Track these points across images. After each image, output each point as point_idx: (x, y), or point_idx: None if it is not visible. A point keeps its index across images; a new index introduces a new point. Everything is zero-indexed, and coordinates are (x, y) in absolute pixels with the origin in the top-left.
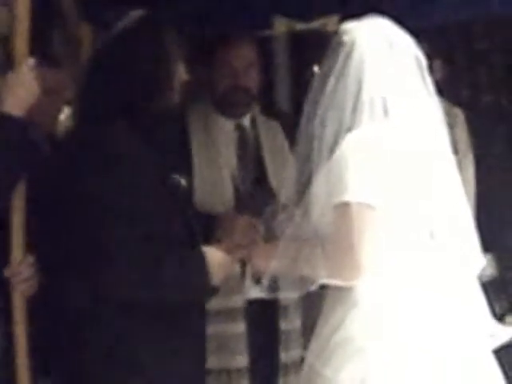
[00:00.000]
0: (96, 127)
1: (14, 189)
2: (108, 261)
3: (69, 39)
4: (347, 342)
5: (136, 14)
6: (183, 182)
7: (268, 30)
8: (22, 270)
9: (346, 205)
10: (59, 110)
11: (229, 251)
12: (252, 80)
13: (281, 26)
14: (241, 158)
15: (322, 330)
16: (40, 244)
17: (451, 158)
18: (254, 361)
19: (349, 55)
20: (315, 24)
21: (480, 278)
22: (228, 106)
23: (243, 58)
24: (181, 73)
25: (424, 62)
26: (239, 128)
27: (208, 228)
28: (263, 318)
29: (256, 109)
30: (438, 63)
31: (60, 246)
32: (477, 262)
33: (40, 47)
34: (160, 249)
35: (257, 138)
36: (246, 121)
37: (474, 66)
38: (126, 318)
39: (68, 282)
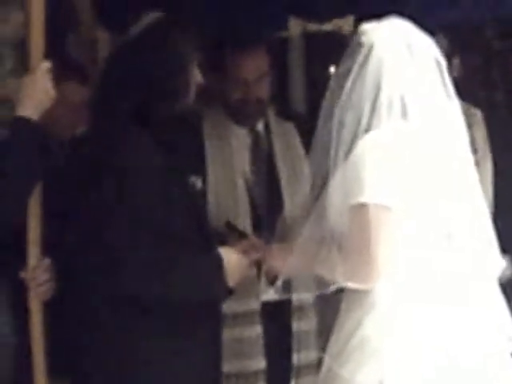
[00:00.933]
0: (111, 130)
1: (31, 192)
2: (125, 263)
3: (85, 43)
4: (364, 343)
5: (152, 16)
6: (199, 184)
7: (283, 31)
8: (39, 273)
9: (362, 206)
10: (82, 121)
11: (245, 253)
12: (263, 90)
13: (296, 27)
14: (254, 162)
15: (340, 332)
16: (56, 247)
17: (470, 159)
18: (270, 363)
19: (367, 56)
20: (330, 25)
21: (499, 279)
22: (240, 116)
23: (254, 69)
24: (196, 76)
25: (443, 63)
26: (253, 132)
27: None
28: (279, 320)
29: (270, 111)
30: (456, 62)
31: (76, 248)
32: (496, 263)
33: (56, 51)
34: (176, 250)
35: (270, 142)
36: (260, 125)
37: (492, 66)
38: (142, 320)
39: (84, 284)
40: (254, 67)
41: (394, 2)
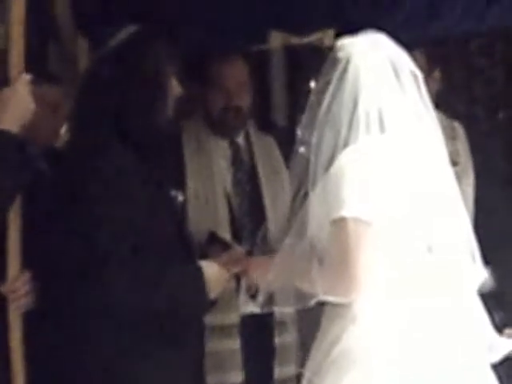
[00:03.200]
0: (91, 143)
1: (11, 205)
2: (105, 275)
3: (65, 55)
4: (345, 355)
5: (130, 29)
6: (180, 197)
7: (264, 44)
8: (19, 286)
9: (342, 220)
10: (59, 126)
11: (225, 265)
12: (244, 100)
13: (277, 39)
14: (235, 174)
15: (320, 345)
16: (38, 259)
17: (450, 171)
18: (249, 377)
19: (344, 71)
20: (311, 38)
21: (480, 290)
22: (220, 126)
23: (235, 79)
24: (175, 88)
25: (420, 76)
26: (233, 145)
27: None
28: (258, 334)
29: (250, 124)
30: (435, 77)
31: (57, 260)
32: (477, 274)
33: (36, 63)
34: (158, 263)
35: (251, 154)
36: (240, 137)
37: (472, 80)
38: (124, 332)
39: (65, 296)
40: (234, 77)
41: (377, 16)
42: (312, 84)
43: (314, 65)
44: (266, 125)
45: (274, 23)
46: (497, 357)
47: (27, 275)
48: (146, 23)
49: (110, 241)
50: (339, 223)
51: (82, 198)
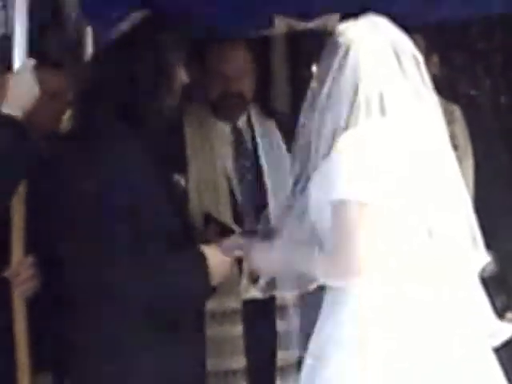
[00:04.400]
0: (95, 128)
1: (15, 190)
2: (108, 261)
3: (69, 40)
4: (346, 341)
5: (138, 15)
6: (183, 182)
7: (268, 29)
8: (22, 270)
9: (342, 202)
10: (62, 111)
11: (226, 251)
12: (245, 85)
13: (281, 25)
14: (237, 159)
15: (321, 330)
16: (41, 245)
17: (450, 154)
18: (251, 362)
19: (345, 56)
20: (316, 23)
21: (481, 274)
22: (222, 111)
23: (236, 64)
24: (181, 75)
25: (421, 60)
26: (235, 130)
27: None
28: (260, 319)
29: (252, 109)
30: (434, 60)
31: (60, 246)
32: (479, 258)
33: (40, 47)
34: (160, 249)
35: (253, 139)
36: (242, 122)
37: (472, 64)
38: (124, 319)
39: (69, 282)
40: (235, 60)
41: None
42: (314, 69)
43: (315, 50)
44: (267, 111)
45: (279, 8)
46: (498, 341)
47: (30, 260)
48: (151, 8)
49: (111, 227)
50: (340, 206)
51: (84, 185)
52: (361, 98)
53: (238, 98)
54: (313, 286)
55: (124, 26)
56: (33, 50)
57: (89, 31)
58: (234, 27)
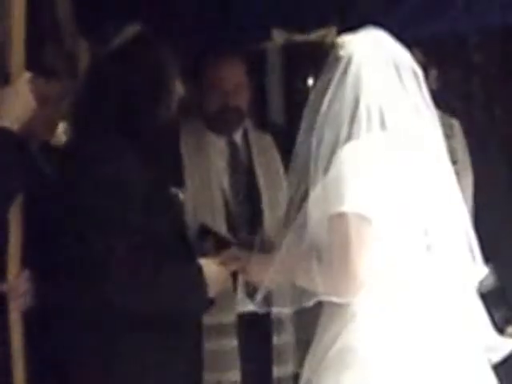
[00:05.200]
0: (92, 142)
1: (12, 203)
2: (106, 274)
3: (66, 53)
4: (344, 353)
5: (133, 29)
6: (181, 195)
7: (266, 41)
8: (19, 284)
9: (342, 216)
10: (56, 123)
11: (224, 264)
12: (242, 99)
13: (279, 37)
14: (232, 173)
15: (319, 344)
16: (38, 256)
17: (449, 168)
18: (246, 376)
19: (346, 69)
20: (314, 36)
21: (480, 288)
22: (218, 125)
23: (232, 78)
24: (178, 89)
25: (420, 73)
26: (231, 144)
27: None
28: (256, 333)
29: (248, 123)
30: (433, 74)
31: (57, 258)
32: (477, 272)
33: (36, 60)
34: (157, 262)
35: (248, 153)
36: (238, 136)
37: (470, 78)
38: (121, 332)
39: (66, 294)
40: (231, 75)
41: (377, 14)
42: (310, 82)
43: (312, 63)
44: (263, 123)
45: (277, 21)
46: (497, 356)
47: (27, 274)
48: (147, 22)
49: (107, 241)
50: (339, 219)
51: (80, 198)
52: (362, 111)
53: (235, 112)
54: (311, 302)
55: (119, 39)
56: (29, 61)
57: (84, 44)
58: (229, 39)
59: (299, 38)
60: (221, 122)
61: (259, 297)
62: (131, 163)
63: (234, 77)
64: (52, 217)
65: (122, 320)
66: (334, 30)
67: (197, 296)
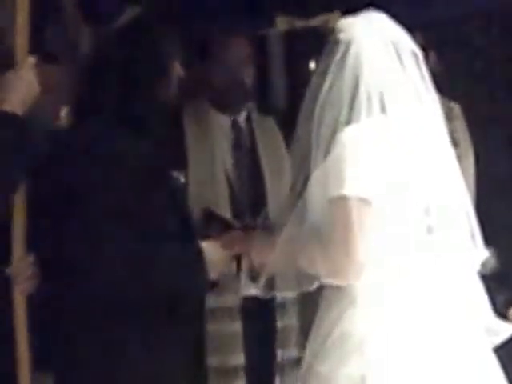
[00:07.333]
0: (93, 125)
1: (16, 188)
2: (105, 258)
3: (68, 37)
4: (345, 338)
5: (133, 11)
6: (182, 178)
7: (270, 27)
8: (23, 268)
9: (343, 199)
10: (59, 107)
11: (226, 246)
12: (247, 75)
13: (282, 23)
14: (236, 155)
15: (320, 328)
16: (37, 242)
17: (450, 152)
18: (250, 359)
19: (346, 52)
20: (316, 21)
21: (481, 271)
22: (224, 101)
23: (238, 55)
24: (177, 70)
25: (421, 56)
26: (234, 126)
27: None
28: (260, 316)
29: (251, 106)
30: (433, 57)
31: (57, 244)
32: (478, 254)
33: (39, 44)
34: (158, 244)
35: (252, 136)
36: (242, 119)
37: (470, 59)
38: (123, 316)
39: (66, 281)
40: (237, 52)
41: None
42: (312, 66)
43: (314, 47)
44: (267, 107)
45: (279, 6)
46: (498, 340)
47: (31, 258)
48: (148, 5)
49: (110, 222)
50: (340, 202)
51: (84, 181)
52: (362, 94)
53: (242, 88)
54: (313, 286)
55: (119, 21)
56: (33, 47)
57: (86, 30)
58: (234, 26)
59: (302, 23)
60: (227, 99)
61: (262, 281)
62: (132, 146)
63: (239, 52)
64: (50, 202)
65: (121, 303)
66: (336, 15)
67: (197, 278)
